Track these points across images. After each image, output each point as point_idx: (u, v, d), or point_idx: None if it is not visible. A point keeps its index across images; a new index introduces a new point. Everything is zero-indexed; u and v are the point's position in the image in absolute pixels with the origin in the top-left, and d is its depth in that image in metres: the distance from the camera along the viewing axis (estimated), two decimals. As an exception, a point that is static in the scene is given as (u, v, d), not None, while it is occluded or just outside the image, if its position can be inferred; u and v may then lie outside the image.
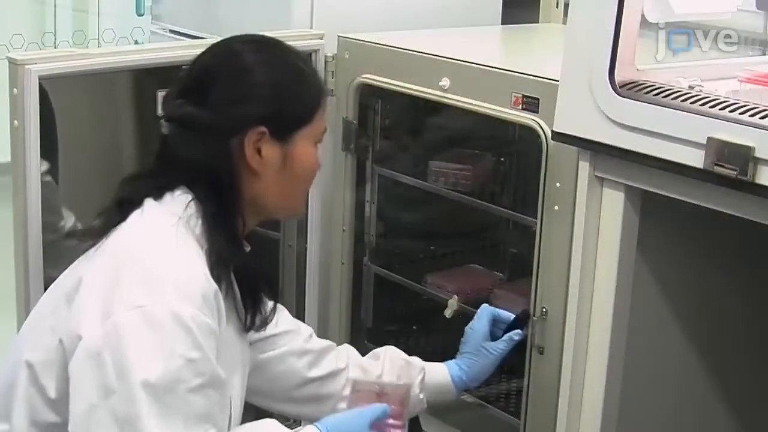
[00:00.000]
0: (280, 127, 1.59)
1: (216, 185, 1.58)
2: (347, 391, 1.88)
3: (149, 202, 1.58)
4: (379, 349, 1.97)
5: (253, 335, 1.73)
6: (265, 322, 1.70)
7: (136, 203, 1.58)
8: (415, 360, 1.96)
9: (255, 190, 1.61)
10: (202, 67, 1.63)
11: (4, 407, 1.57)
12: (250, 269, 1.63)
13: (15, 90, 1.89)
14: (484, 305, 2.05)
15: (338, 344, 1.96)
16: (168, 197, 1.58)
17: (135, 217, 1.57)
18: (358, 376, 1.90)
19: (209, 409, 1.47)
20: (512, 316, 2.02)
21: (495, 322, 2.01)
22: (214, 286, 1.51)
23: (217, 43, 1.67)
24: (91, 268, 1.55)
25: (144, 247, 1.53)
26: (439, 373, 1.96)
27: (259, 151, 1.58)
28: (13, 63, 1.90)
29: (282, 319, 1.86)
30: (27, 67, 1.89)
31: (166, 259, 1.50)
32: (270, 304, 1.71)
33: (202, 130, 1.57)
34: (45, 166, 1.94)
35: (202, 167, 1.57)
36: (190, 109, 1.57)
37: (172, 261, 1.50)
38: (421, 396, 1.93)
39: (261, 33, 1.74)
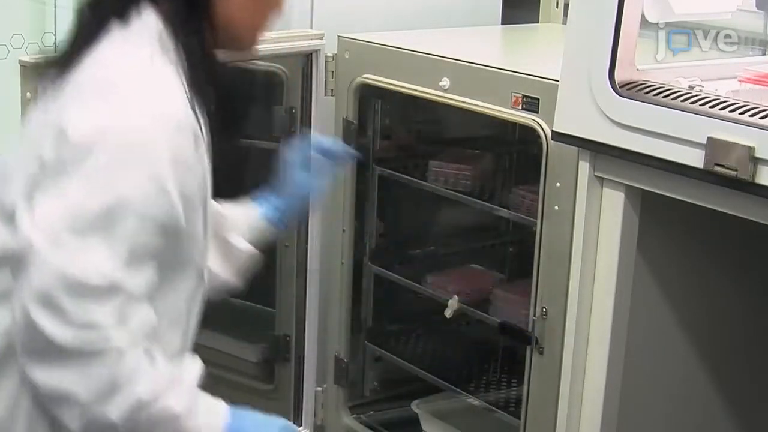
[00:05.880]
0: None
1: (185, 2, 1.42)
2: None
3: (116, 29, 1.40)
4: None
5: None
6: None
7: (101, 27, 1.40)
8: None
9: (226, 12, 1.44)
10: None
11: None
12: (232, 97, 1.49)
13: (29, 94, 1.83)
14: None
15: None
16: (136, 21, 1.40)
17: (105, 46, 1.39)
18: None
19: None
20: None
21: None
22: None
23: None
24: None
25: (120, 76, 1.36)
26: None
27: None
28: (26, 66, 1.85)
29: None
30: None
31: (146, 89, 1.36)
32: None
33: None
34: None
35: None
36: None
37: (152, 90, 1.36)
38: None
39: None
